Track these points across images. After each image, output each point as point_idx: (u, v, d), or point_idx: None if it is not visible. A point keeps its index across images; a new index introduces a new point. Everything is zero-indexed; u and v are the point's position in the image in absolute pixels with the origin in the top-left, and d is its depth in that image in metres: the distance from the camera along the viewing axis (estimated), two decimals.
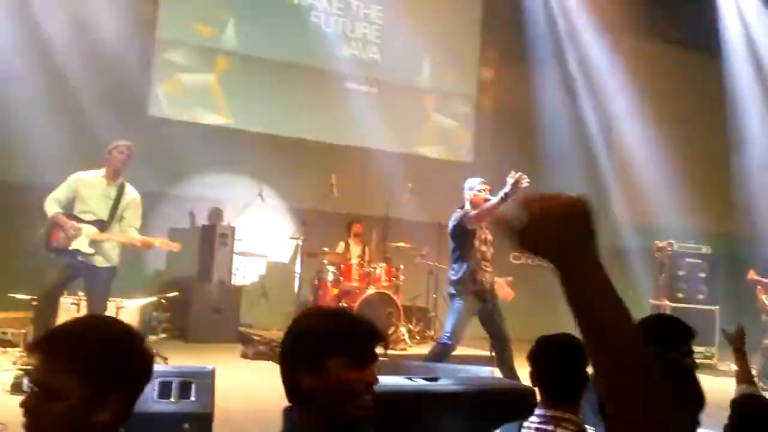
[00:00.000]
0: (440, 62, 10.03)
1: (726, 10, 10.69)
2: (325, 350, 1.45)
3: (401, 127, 9.73)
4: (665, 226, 9.56)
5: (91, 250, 5.07)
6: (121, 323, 1.43)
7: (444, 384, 3.35)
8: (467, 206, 5.22)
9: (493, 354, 5.33)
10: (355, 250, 8.10)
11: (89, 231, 5.08)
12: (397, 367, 4.34)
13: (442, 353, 5.07)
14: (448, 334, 5.11)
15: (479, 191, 5.19)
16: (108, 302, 5.37)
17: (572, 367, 2.18)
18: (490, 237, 5.26)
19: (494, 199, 4.95)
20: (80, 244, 5.06)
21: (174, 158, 8.02)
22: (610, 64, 10.54)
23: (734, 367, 3.06)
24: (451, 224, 5.26)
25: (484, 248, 5.22)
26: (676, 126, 10.65)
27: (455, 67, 10.19)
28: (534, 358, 2.29)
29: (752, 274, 7.77)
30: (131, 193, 5.30)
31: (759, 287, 7.67)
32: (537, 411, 2.18)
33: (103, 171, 5.22)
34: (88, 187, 5.18)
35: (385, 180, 8.43)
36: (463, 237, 5.17)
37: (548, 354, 2.27)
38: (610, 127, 10.64)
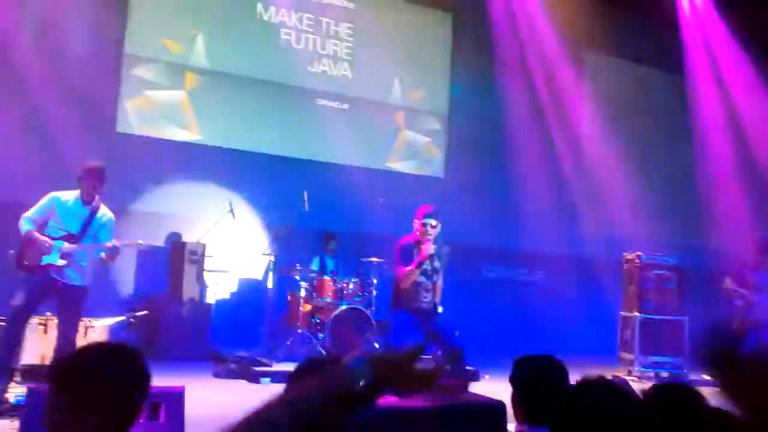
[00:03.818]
0: (411, 79, 10.11)
1: (688, 29, 10.97)
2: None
3: (373, 143, 9.77)
4: (633, 237, 9.71)
5: (62, 262, 5.04)
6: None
7: (416, 401, 3.35)
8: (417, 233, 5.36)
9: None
10: (330, 264, 8.09)
11: (59, 245, 5.06)
12: None
13: None
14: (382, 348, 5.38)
15: (423, 225, 5.28)
16: (79, 322, 5.31)
17: (553, 388, 2.17)
18: (431, 267, 5.34)
19: (411, 267, 5.22)
20: (51, 258, 5.03)
21: (143, 175, 7.96)
22: (576, 81, 10.74)
23: (707, 377, 3.05)
24: (396, 246, 5.37)
25: (421, 279, 5.29)
26: (642, 140, 10.88)
27: (426, 85, 10.28)
28: (515, 380, 2.27)
29: (729, 284, 7.78)
30: (106, 214, 5.29)
31: (735, 295, 7.66)
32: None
33: (77, 192, 5.20)
34: (63, 206, 5.17)
35: (357, 195, 8.45)
36: (401, 264, 5.33)
37: (529, 375, 2.26)
38: (577, 141, 10.81)
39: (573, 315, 9.64)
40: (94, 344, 1.69)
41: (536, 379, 2.22)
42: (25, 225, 5.08)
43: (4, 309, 5.09)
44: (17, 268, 5.07)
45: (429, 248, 5.23)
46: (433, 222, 5.27)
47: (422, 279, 5.28)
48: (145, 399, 1.56)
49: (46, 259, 5.04)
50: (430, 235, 5.26)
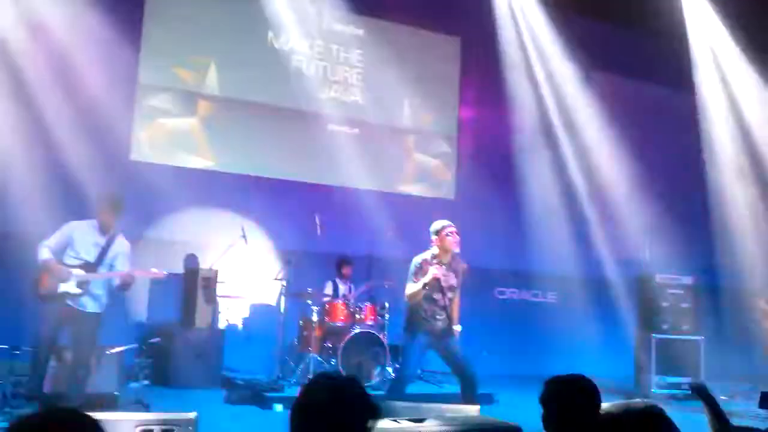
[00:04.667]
0: (420, 103, 10.17)
1: (696, 46, 10.98)
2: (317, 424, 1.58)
3: (383, 166, 9.81)
4: (647, 257, 9.64)
5: (78, 290, 5.12)
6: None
7: (430, 425, 3.33)
8: (435, 250, 5.24)
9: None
10: (343, 289, 8.09)
11: (76, 273, 5.15)
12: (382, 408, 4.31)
13: (393, 389, 5.19)
14: (397, 370, 5.33)
15: (447, 234, 5.21)
16: (94, 350, 5.37)
17: (584, 410, 2.14)
18: (447, 284, 5.20)
19: (417, 286, 5.11)
20: (68, 286, 5.12)
21: (157, 203, 8.01)
22: (586, 101, 10.74)
23: (723, 397, 3.04)
24: (411, 265, 5.28)
25: (437, 296, 5.15)
26: (653, 159, 10.83)
27: (435, 108, 10.34)
28: (545, 401, 2.23)
29: (763, 303, 7.75)
30: (122, 243, 5.37)
31: (765, 318, 7.65)
32: None
33: (95, 221, 5.28)
34: (80, 235, 5.26)
35: (369, 219, 8.47)
36: (410, 280, 5.25)
37: (560, 396, 2.22)
38: (587, 161, 10.78)
39: (587, 336, 9.55)
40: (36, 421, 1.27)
41: (567, 399, 2.20)
42: (43, 253, 5.16)
43: (25, 336, 5.17)
44: (34, 296, 5.14)
45: (436, 271, 5.11)
46: (453, 228, 5.22)
47: (438, 296, 5.13)
48: None
49: (62, 287, 5.12)
50: (453, 241, 5.18)
